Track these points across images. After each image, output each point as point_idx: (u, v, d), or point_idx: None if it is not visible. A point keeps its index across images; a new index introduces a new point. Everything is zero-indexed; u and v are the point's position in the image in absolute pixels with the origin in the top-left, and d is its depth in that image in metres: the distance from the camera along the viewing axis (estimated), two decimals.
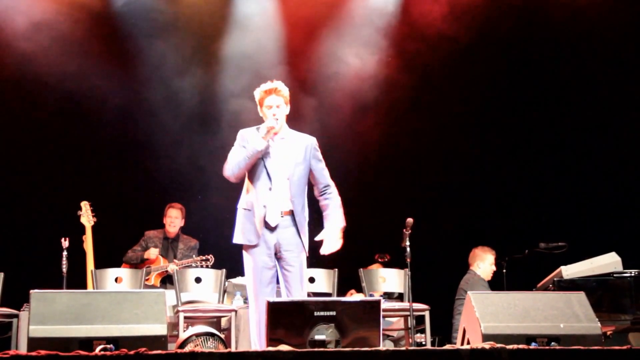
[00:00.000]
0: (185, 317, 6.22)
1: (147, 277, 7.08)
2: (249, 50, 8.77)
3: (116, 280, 6.41)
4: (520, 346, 4.29)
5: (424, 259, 6.45)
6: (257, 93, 5.19)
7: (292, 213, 5.10)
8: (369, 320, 4.45)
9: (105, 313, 4.48)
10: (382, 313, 4.71)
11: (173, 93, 8.73)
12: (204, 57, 8.84)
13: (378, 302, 4.56)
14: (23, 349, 5.22)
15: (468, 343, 4.94)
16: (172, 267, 7.18)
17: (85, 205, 7.28)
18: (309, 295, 6.23)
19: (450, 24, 8.81)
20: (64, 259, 6.52)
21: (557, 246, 7.71)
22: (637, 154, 8.62)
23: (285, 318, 4.37)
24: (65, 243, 6.57)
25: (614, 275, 6.60)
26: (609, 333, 6.57)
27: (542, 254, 7.76)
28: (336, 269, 6.68)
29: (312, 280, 6.59)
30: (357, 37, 8.94)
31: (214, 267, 7.11)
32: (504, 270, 7.71)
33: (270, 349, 4.08)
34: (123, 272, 6.55)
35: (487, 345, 4.28)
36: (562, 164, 9.00)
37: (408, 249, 5.75)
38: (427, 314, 6.47)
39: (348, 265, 6.90)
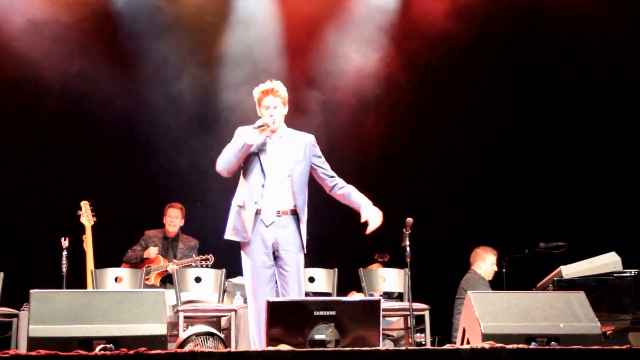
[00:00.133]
0: (185, 317, 6.22)
1: (147, 277, 7.09)
2: (250, 49, 8.77)
3: (116, 280, 6.40)
4: (520, 346, 4.28)
5: (423, 259, 6.44)
6: (255, 93, 5.18)
7: (291, 212, 5.08)
8: (369, 319, 4.44)
9: (105, 313, 4.48)
10: (382, 313, 4.70)
11: (174, 93, 8.73)
12: (204, 57, 8.84)
13: (378, 302, 4.55)
14: (23, 349, 5.22)
15: (468, 343, 4.93)
16: (172, 267, 7.18)
17: (85, 205, 7.28)
18: (307, 294, 6.23)
19: (451, 23, 8.81)
20: (64, 258, 6.51)
21: (557, 246, 7.71)
22: (637, 154, 8.61)
23: (285, 317, 4.36)
24: (65, 243, 6.56)
25: (614, 275, 6.58)
26: (608, 333, 6.56)
27: (542, 253, 7.75)
28: (336, 269, 6.68)
29: (312, 280, 6.59)
30: (358, 35, 8.93)
31: (213, 266, 7.11)
32: (504, 270, 7.72)
33: (270, 348, 4.08)
34: (123, 271, 6.55)
35: (486, 344, 4.27)
36: (562, 164, 8.99)
37: (408, 249, 5.74)
38: (426, 314, 6.48)
39: (348, 265, 6.91)
